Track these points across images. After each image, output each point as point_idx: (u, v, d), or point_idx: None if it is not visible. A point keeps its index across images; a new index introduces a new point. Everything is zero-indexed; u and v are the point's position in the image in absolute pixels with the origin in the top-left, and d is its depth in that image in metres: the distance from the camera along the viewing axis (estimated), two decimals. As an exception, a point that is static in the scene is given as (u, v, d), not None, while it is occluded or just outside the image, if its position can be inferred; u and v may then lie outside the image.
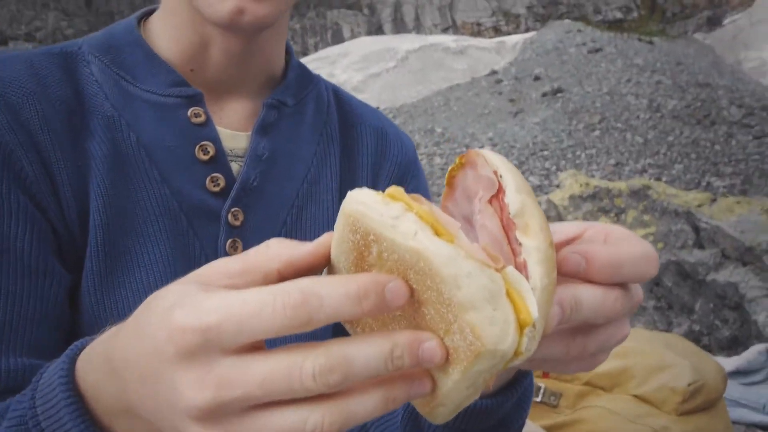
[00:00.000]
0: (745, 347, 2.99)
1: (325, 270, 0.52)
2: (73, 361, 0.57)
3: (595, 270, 0.51)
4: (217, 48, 0.90)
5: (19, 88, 0.82)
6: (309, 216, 0.95)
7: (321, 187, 0.98)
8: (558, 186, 4.18)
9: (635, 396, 1.97)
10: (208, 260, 0.73)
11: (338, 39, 34.94)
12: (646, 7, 32.25)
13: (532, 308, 0.44)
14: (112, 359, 0.51)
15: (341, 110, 1.06)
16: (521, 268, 0.47)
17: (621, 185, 3.74)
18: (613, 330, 0.55)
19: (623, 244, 0.53)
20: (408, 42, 27.27)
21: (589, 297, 0.51)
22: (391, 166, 1.05)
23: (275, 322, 0.43)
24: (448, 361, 0.45)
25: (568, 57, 22.08)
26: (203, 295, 0.45)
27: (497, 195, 0.49)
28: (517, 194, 0.48)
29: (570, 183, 3.88)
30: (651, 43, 23.88)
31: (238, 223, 0.88)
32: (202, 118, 0.89)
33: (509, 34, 31.30)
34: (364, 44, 28.70)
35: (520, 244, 0.47)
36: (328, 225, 0.95)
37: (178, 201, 0.86)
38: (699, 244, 3.24)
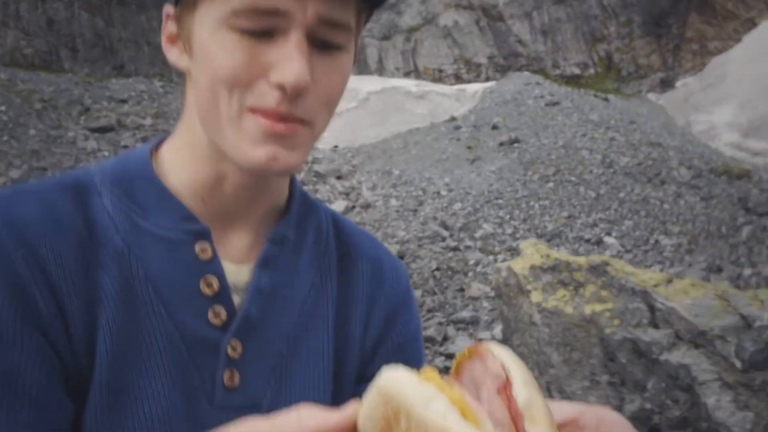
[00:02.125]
0: (695, 429, 3.12)
1: None
2: None
3: None
4: (230, 182, 0.92)
5: (35, 227, 0.83)
6: (305, 346, 0.96)
7: (317, 318, 0.99)
8: (519, 254, 4.25)
9: None
10: (206, 392, 0.85)
11: (300, 75, 35.10)
12: (602, 65, 33.11)
13: None
14: None
15: (339, 240, 1.08)
16: None
17: (581, 260, 3.81)
18: None
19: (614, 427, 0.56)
20: (370, 83, 27.50)
21: None
22: (386, 300, 1.06)
23: None
24: None
25: (526, 108, 22.49)
26: None
27: (505, 387, 0.52)
28: (524, 387, 0.51)
29: (531, 252, 3.96)
30: (606, 99, 24.49)
31: (236, 355, 0.90)
32: (209, 254, 0.91)
33: (470, 81, 31.78)
34: (327, 82, 28.80)
35: None
36: (323, 355, 0.97)
37: (180, 334, 0.88)
38: (654, 324, 3.35)
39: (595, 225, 13.71)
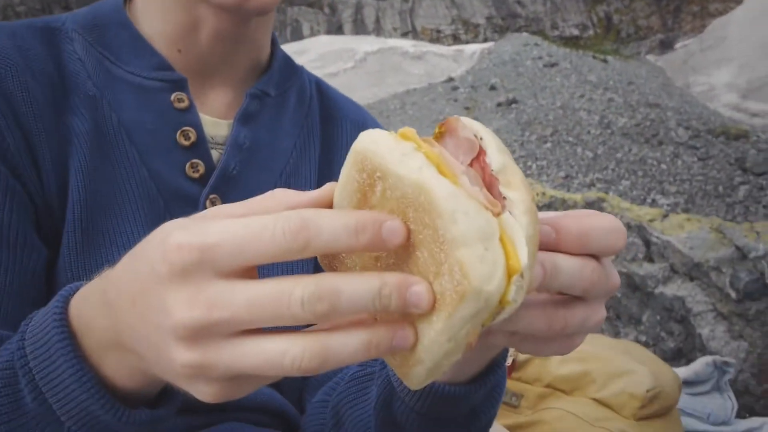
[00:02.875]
0: (688, 359, 3.13)
1: None
2: (66, 301, 0.57)
3: (565, 239, 0.51)
4: (207, 29, 0.90)
5: (3, 59, 0.81)
6: None
7: (299, 179, 0.98)
8: None
9: (595, 400, 2.01)
10: None
11: (297, 36, 34.76)
12: (601, 26, 32.84)
13: (522, 256, 0.44)
14: (106, 290, 0.52)
15: (323, 103, 1.07)
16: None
17: (576, 197, 3.83)
18: (590, 310, 0.54)
19: (591, 217, 0.53)
20: (367, 44, 27.29)
21: (567, 263, 0.51)
22: None
23: (273, 245, 0.43)
24: (434, 309, 0.44)
25: (524, 69, 22.35)
26: (206, 220, 0.46)
27: (478, 157, 0.49)
28: (498, 154, 0.48)
29: None
30: (605, 61, 24.34)
31: None
32: (186, 104, 0.89)
33: (468, 42, 31.57)
34: (323, 43, 28.63)
35: (504, 198, 0.47)
36: None
37: (156, 184, 0.86)
38: (649, 258, 3.37)
39: (592, 185, 13.72)
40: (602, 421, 1.94)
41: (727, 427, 2.78)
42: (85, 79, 0.87)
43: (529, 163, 14.86)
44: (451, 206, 0.43)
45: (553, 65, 22.23)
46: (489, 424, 0.82)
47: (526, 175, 13.29)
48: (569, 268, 0.51)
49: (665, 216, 3.44)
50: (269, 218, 0.44)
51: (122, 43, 0.90)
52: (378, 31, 34.27)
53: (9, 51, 0.82)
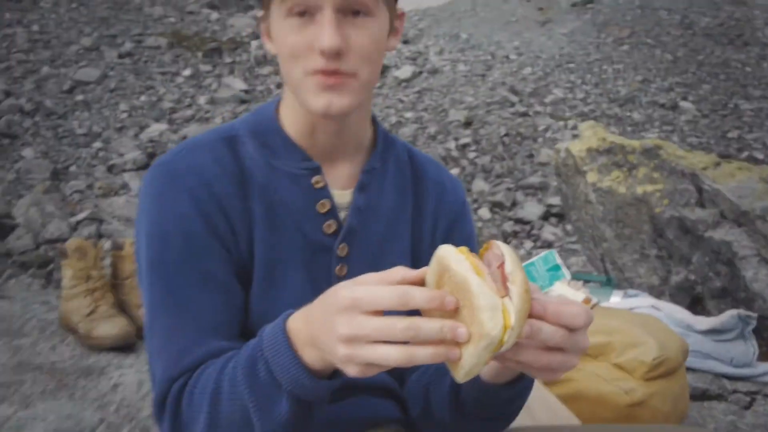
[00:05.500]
0: (734, 298, 3.51)
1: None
2: (285, 318, 1.00)
3: (548, 314, 0.89)
4: (320, 128, 1.28)
5: (210, 172, 1.22)
6: (389, 248, 1.36)
7: (399, 227, 1.38)
8: (577, 136, 4.41)
9: (614, 364, 2.63)
10: (325, 280, 1.26)
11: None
12: None
13: (512, 320, 0.83)
14: (308, 315, 0.95)
15: (413, 167, 1.44)
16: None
17: (635, 143, 4.13)
18: (566, 358, 0.91)
19: (568, 305, 0.90)
20: (436, -58, 26.42)
21: (546, 327, 0.88)
22: (448, 213, 1.45)
23: (391, 302, 0.84)
24: (469, 341, 0.83)
25: (601, -34, 21.39)
26: (357, 284, 0.88)
27: (501, 264, 0.88)
28: (510, 265, 0.88)
29: (589, 135, 4.32)
30: (688, -45, 23.07)
31: (344, 254, 1.30)
32: (322, 184, 1.29)
33: (541, -62, 30.21)
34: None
35: (508, 289, 0.86)
36: (403, 254, 1.38)
37: (306, 240, 1.28)
38: (701, 203, 3.62)
39: (671, 89, 13.26)
40: (618, 381, 2.57)
41: (748, 368, 3.34)
42: (256, 173, 1.26)
43: (605, 67, 14.37)
44: (478, 291, 0.82)
45: (632, -39, 21.20)
46: (518, 409, 1.22)
47: (600, 81, 12.84)
48: (547, 330, 0.88)
49: (717, 164, 3.69)
50: (390, 289, 0.86)
51: (277, 144, 1.29)
52: (447, -73, 33.07)
53: (210, 163, 1.23)
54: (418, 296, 0.84)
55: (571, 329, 0.89)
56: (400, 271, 0.90)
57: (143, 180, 1.25)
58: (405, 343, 0.83)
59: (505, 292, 0.85)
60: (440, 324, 0.82)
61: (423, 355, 0.83)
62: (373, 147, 1.38)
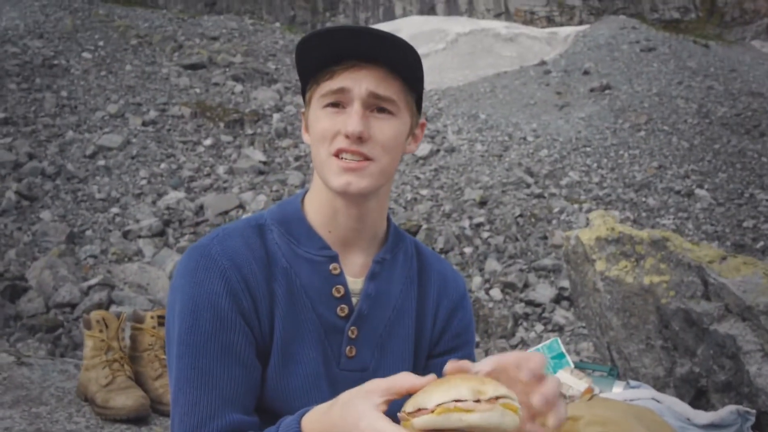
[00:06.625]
0: (737, 392, 3.50)
1: None
2: (301, 416, 1.13)
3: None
4: (341, 214, 1.41)
5: (241, 256, 1.36)
6: (394, 333, 1.48)
7: (404, 313, 1.50)
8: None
9: None
10: (335, 359, 1.40)
11: (389, 16, 34.76)
12: (705, 10, 31.58)
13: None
14: (324, 422, 1.08)
15: (419, 260, 1.58)
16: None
17: (643, 234, 4.22)
18: None
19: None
20: (459, 25, 27.10)
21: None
22: (448, 302, 1.56)
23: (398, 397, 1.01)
24: None
25: (619, 54, 21.79)
26: (372, 383, 1.02)
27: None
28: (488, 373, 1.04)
29: (598, 224, 4.46)
30: (706, 46, 23.46)
31: (354, 336, 1.42)
32: (338, 271, 1.42)
33: (562, 25, 30.86)
34: (415, 23, 28.57)
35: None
36: (408, 338, 1.50)
37: (320, 322, 1.40)
38: (706, 296, 3.70)
39: (686, 176, 13.31)
40: (611, 468, 2.59)
41: (747, 465, 3.31)
42: (280, 257, 1.39)
43: (621, 152, 14.50)
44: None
45: (650, 50, 21.59)
46: None
47: (616, 165, 12.99)
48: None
49: (723, 258, 3.78)
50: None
51: (301, 233, 1.43)
52: (470, 11, 33.89)
53: (242, 249, 1.37)
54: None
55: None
56: (408, 379, 1.00)
57: (180, 260, 1.40)
58: None
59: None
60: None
61: None
62: (385, 240, 1.52)
